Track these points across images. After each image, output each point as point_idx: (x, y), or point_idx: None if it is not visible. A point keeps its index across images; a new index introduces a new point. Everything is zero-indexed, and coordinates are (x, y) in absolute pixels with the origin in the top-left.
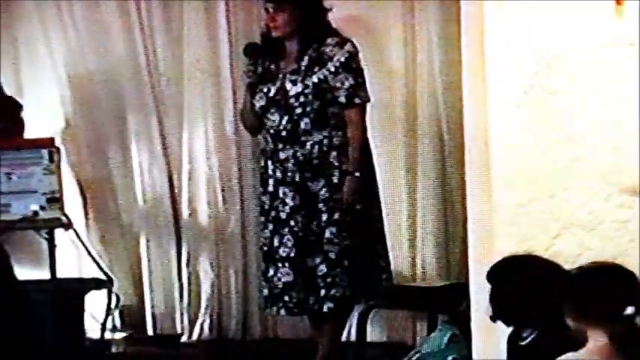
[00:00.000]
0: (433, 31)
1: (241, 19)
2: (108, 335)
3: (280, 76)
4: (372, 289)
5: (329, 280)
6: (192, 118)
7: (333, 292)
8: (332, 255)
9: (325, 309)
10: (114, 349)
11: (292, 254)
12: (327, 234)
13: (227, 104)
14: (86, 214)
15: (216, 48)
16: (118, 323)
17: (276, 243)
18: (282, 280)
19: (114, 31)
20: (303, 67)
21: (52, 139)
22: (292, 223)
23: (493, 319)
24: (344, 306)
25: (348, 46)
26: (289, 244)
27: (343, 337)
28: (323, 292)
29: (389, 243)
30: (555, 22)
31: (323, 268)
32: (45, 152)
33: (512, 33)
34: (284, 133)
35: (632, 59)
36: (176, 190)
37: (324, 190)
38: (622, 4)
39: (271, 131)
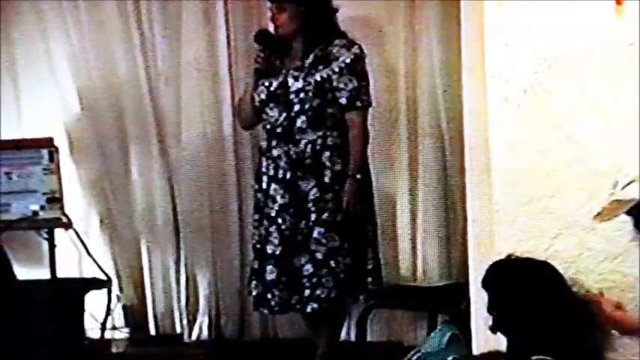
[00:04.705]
0: (433, 31)
1: (240, 18)
2: (108, 335)
3: (284, 71)
4: (357, 291)
5: (314, 280)
6: (190, 117)
7: (317, 292)
8: (319, 255)
9: (309, 309)
10: (114, 349)
11: (277, 252)
12: (315, 234)
13: (225, 104)
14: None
15: (214, 47)
16: (119, 323)
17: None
18: (268, 277)
19: (112, 30)
20: (307, 65)
21: (51, 139)
22: (280, 221)
23: (493, 330)
24: (328, 307)
25: (355, 49)
26: (275, 242)
27: (343, 337)
28: (307, 292)
29: (391, 244)
30: (555, 22)
31: (309, 267)
32: (45, 152)
33: (512, 33)
34: (279, 130)
35: (632, 59)
36: (175, 191)
37: (314, 189)
38: (622, 4)
39: (267, 127)
